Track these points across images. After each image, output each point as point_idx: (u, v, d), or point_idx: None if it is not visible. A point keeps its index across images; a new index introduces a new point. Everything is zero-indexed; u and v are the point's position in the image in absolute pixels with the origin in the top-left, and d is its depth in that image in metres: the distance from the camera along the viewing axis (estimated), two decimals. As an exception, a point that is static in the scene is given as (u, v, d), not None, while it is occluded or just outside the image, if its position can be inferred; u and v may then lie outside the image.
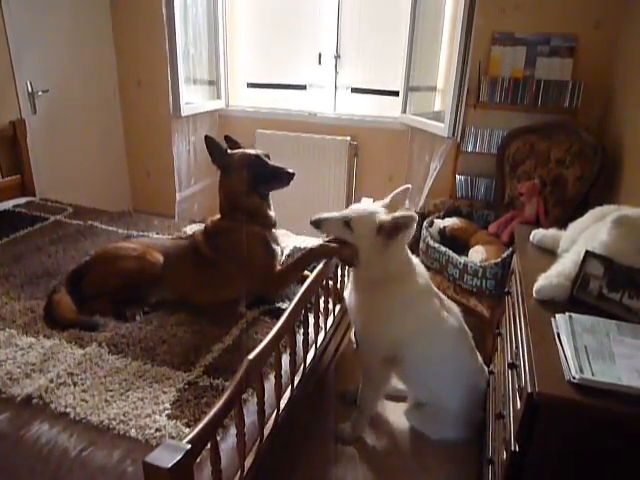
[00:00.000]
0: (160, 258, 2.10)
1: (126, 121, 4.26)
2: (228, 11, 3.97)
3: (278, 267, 2.13)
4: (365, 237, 1.79)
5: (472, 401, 2.08)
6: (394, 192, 1.96)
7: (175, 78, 3.54)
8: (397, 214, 1.79)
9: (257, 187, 2.11)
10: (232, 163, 2.10)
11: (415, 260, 1.96)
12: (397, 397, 2.30)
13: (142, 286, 2.05)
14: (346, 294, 2.08)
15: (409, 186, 1.99)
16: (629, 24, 2.84)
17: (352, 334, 2.69)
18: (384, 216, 1.78)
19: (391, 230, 1.75)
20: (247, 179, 2.08)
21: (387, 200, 1.94)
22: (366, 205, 1.89)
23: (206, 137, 2.11)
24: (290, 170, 2.11)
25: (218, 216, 2.19)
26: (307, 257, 2.06)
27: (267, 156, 2.17)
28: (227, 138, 2.27)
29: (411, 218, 1.74)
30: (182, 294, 2.10)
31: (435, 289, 2.02)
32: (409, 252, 1.92)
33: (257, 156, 2.12)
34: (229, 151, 2.15)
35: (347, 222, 1.80)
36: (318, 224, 1.86)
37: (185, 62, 3.64)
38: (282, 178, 2.12)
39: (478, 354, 2.16)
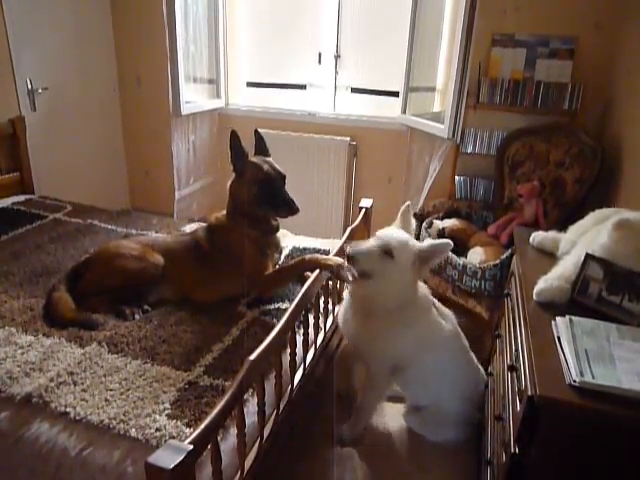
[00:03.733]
0: (160, 259, 2.11)
1: (125, 119, 4.25)
2: (228, 9, 3.97)
3: (269, 271, 2.13)
4: (405, 265, 1.77)
5: (470, 403, 2.09)
6: (400, 212, 1.95)
7: (175, 76, 3.54)
8: (435, 241, 1.82)
9: (261, 206, 2.09)
10: (246, 173, 2.09)
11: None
12: (395, 398, 2.30)
13: (142, 286, 2.06)
14: (340, 316, 2.05)
15: (409, 203, 1.99)
16: (628, 27, 2.85)
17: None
18: (420, 243, 1.82)
19: (428, 256, 1.78)
20: (255, 195, 2.07)
21: (399, 222, 1.94)
22: (394, 231, 1.86)
23: (232, 133, 2.07)
24: (294, 206, 2.07)
25: (223, 212, 2.20)
26: (297, 266, 2.08)
27: (283, 179, 2.13)
28: (257, 134, 2.26)
29: (448, 244, 1.78)
30: (182, 289, 2.11)
31: (430, 296, 2.02)
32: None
33: (270, 177, 2.09)
34: (250, 158, 2.12)
35: (387, 251, 1.77)
36: (353, 258, 1.80)
37: (185, 60, 3.64)
38: (284, 211, 2.09)
39: (473, 355, 2.17)
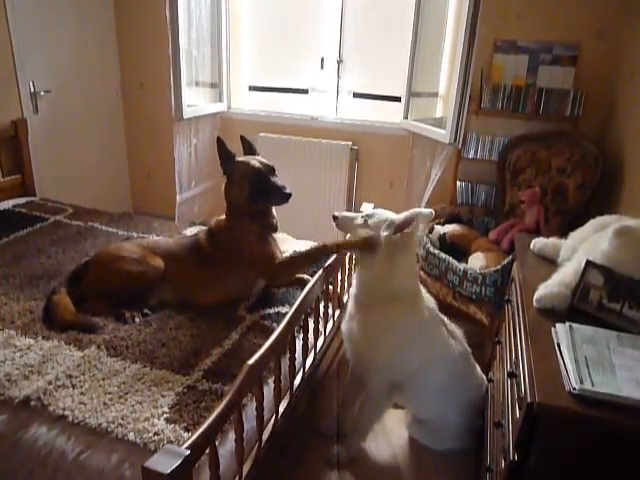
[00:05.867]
0: (161, 263, 2.11)
1: (128, 123, 4.26)
2: (231, 14, 3.98)
3: (279, 258, 2.12)
4: (376, 230, 1.83)
5: (474, 412, 2.07)
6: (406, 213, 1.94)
7: (177, 80, 3.55)
8: (406, 213, 1.85)
9: (255, 200, 2.09)
10: (235, 172, 2.09)
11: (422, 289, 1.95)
12: (396, 404, 2.29)
13: (142, 290, 2.06)
14: (343, 325, 2.00)
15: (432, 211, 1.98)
16: (631, 34, 2.85)
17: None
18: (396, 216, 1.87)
19: (400, 226, 1.80)
20: (247, 191, 2.07)
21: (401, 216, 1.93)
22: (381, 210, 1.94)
23: (218, 139, 2.10)
24: (287, 191, 2.07)
25: (223, 216, 2.20)
26: (318, 251, 2.04)
27: (272, 170, 2.14)
28: (243, 139, 2.27)
29: (414, 214, 1.82)
30: (184, 292, 2.11)
31: (440, 315, 1.98)
32: (416, 273, 1.93)
33: (259, 171, 2.09)
34: (236, 158, 2.13)
35: (365, 217, 1.89)
36: (337, 218, 1.94)
37: (188, 64, 3.65)
38: (277, 198, 2.09)
39: (478, 367, 2.15)
